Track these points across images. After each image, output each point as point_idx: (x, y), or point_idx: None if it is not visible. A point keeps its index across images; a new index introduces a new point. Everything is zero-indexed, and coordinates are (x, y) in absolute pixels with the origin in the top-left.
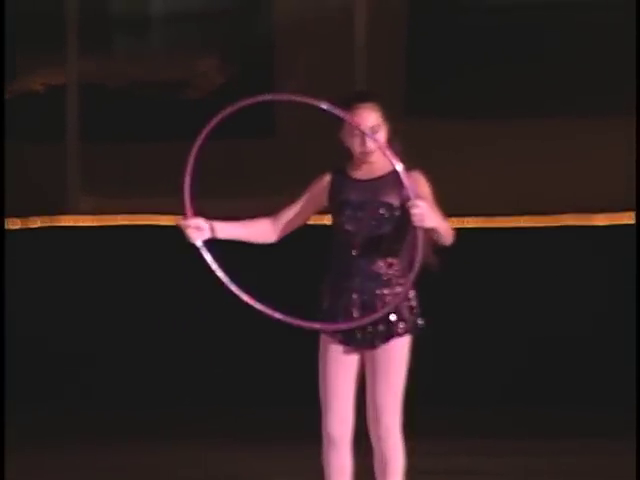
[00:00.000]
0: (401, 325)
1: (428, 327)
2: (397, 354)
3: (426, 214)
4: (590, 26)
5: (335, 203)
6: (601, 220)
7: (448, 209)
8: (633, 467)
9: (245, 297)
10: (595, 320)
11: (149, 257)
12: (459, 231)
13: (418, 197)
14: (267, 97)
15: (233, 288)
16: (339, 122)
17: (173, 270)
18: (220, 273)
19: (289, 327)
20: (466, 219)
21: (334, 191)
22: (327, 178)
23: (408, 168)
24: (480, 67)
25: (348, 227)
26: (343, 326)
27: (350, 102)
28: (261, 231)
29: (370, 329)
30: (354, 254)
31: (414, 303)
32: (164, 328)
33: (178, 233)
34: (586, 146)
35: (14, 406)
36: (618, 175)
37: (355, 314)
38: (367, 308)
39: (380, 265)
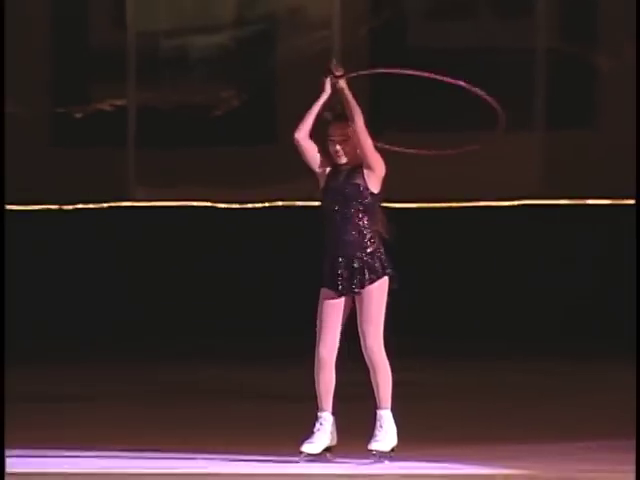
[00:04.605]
0: (373, 276)
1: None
2: (373, 296)
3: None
4: (502, 65)
5: (324, 188)
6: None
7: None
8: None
9: None
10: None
11: (189, 235)
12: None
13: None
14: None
15: None
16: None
17: (209, 244)
18: None
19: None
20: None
21: (328, 179)
22: (329, 167)
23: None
24: (427, 94)
25: (331, 207)
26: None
27: (330, 120)
28: (308, 131)
29: (348, 281)
30: (335, 227)
31: (383, 257)
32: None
33: (210, 214)
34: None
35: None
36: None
37: (341, 273)
38: (348, 267)
39: (354, 234)
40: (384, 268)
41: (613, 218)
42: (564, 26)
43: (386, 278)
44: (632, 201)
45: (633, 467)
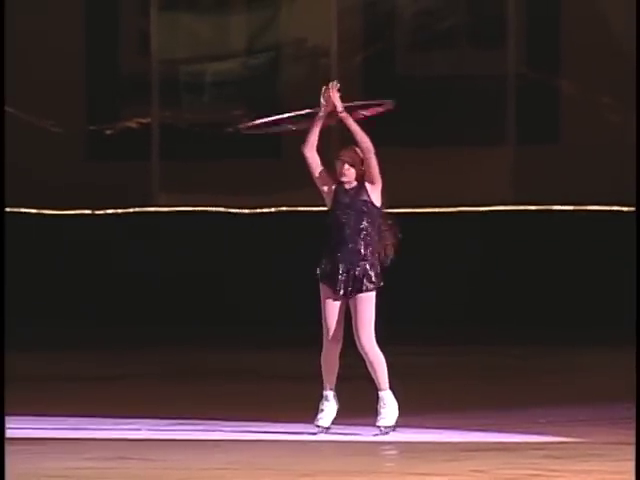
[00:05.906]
0: (368, 285)
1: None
2: (365, 302)
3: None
4: (472, 91)
5: (334, 202)
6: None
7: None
8: None
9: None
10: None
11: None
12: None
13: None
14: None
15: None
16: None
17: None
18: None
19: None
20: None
21: (337, 195)
22: (334, 184)
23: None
24: (414, 114)
25: (342, 219)
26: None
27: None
28: (314, 145)
29: (346, 284)
30: (344, 236)
31: (379, 272)
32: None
33: (223, 218)
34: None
35: None
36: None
37: (341, 276)
38: (349, 272)
39: (360, 245)
40: (378, 281)
41: (574, 222)
42: (531, 55)
43: (375, 292)
44: (592, 207)
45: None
